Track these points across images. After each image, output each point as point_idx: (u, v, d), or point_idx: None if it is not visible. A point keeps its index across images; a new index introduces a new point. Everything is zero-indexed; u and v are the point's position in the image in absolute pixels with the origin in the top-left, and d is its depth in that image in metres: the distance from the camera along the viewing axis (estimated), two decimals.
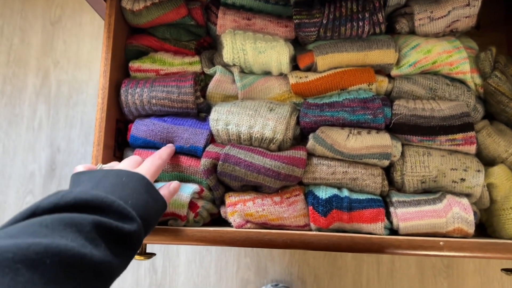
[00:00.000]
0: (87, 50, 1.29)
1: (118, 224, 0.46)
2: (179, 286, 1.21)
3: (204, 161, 0.66)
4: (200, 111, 0.71)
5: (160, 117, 0.70)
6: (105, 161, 0.66)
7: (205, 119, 0.70)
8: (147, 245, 0.72)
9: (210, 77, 0.72)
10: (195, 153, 0.68)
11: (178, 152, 0.69)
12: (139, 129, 0.69)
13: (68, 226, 0.41)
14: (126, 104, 0.70)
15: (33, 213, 0.43)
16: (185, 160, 0.68)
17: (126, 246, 0.47)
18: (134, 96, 0.69)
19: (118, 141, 0.71)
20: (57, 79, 1.27)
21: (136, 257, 0.65)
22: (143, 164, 0.60)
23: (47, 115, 1.25)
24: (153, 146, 0.69)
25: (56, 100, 1.25)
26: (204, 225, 0.70)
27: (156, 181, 0.67)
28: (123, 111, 0.72)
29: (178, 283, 1.21)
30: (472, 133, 0.66)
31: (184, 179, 0.68)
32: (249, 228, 0.66)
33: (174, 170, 0.68)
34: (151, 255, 0.67)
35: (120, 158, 0.72)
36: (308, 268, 1.20)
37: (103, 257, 0.43)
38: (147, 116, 0.72)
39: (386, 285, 1.17)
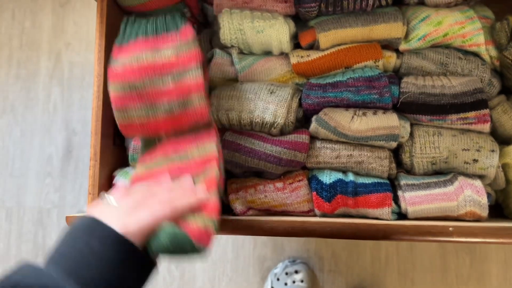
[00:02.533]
0: None
1: None
2: (197, 264, 1.22)
3: None
4: None
5: None
6: (104, 150, 0.65)
7: None
8: None
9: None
10: None
11: None
12: None
13: None
14: None
15: None
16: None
17: None
18: None
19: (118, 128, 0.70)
20: (69, 61, 1.27)
21: None
22: (142, 212, 0.47)
23: (61, 98, 1.25)
24: None
25: (69, 82, 1.26)
26: None
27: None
28: None
29: (196, 261, 1.23)
30: (486, 111, 0.62)
31: None
32: (251, 215, 0.65)
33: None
34: None
35: (120, 146, 0.71)
36: (326, 244, 1.19)
37: None
38: None
39: (405, 261, 1.15)
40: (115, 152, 0.69)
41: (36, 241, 1.18)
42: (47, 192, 1.21)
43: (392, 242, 1.16)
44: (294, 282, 1.14)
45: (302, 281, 1.14)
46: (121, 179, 0.66)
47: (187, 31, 0.60)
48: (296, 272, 1.15)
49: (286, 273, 1.15)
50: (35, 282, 0.38)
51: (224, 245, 1.21)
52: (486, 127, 0.63)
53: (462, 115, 0.62)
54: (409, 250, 1.15)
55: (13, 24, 1.31)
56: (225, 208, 0.68)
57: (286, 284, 1.14)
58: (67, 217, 0.61)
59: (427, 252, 1.14)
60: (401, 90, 0.64)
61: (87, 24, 1.29)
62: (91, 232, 0.43)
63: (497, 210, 0.71)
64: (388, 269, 1.16)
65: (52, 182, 1.21)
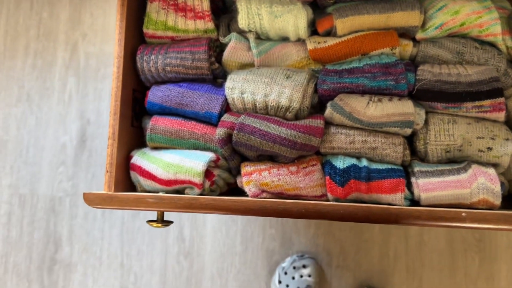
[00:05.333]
0: (114, 23, 1.29)
1: None
2: (206, 255, 1.23)
3: (219, 131, 0.65)
4: (216, 77, 0.70)
5: (176, 83, 0.70)
6: (122, 130, 0.67)
7: (221, 85, 0.69)
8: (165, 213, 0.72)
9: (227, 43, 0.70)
10: (210, 120, 0.67)
11: (194, 118, 0.68)
12: (155, 95, 0.69)
13: None
14: (142, 72, 0.70)
15: None
16: (200, 128, 0.67)
17: None
18: (149, 63, 0.69)
19: (135, 111, 0.71)
20: (85, 52, 1.28)
21: (153, 224, 0.65)
22: None
23: (77, 88, 1.27)
24: (169, 112, 0.69)
25: (85, 73, 1.27)
26: (221, 194, 0.70)
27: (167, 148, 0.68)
28: (140, 78, 0.72)
29: (205, 252, 1.23)
30: (501, 99, 0.62)
31: (199, 147, 0.68)
32: (264, 198, 0.66)
33: (190, 138, 0.68)
34: (168, 222, 0.67)
35: (138, 128, 0.72)
36: (334, 240, 1.19)
37: None
38: (164, 82, 0.71)
39: (414, 258, 1.15)
40: (132, 133, 0.71)
41: (48, 229, 1.20)
42: (60, 180, 1.22)
43: (400, 239, 1.15)
44: (301, 276, 1.15)
45: (309, 276, 1.14)
46: (139, 159, 0.67)
47: None
48: (304, 266, 1.15)
49: (294, 267, 1.15)
50: None
51: (233, 237, 1.21)
52: (501, 115, 0.63)
53: (477, 103, 0.63)
54: (418, 248, 1.15)
55: (31, 14, 1.33)
56: (238, 190, 0.69)
57: (293, 278, 1.14)
58: (84, 194, 0.62)
59: (436, 251, 1.14)
60: (417, 77, 0.65)
61: (104, 16, 1.31)
62: None
63: (510, 202, 0.71)
64: (396, 266, 1.16)
65: (65, 170, 1.23)
